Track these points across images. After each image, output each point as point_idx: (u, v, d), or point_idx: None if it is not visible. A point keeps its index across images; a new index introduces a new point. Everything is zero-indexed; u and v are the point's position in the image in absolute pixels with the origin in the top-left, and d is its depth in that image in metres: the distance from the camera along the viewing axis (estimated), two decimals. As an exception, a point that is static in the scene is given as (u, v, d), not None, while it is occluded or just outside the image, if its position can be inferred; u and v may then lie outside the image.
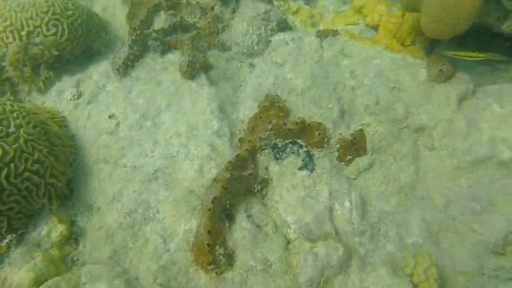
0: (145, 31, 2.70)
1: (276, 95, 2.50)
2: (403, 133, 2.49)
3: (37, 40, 2.57)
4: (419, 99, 2.52)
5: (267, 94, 2.48)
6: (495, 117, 2.46)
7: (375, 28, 2.96)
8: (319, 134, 2.28)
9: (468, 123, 2.45)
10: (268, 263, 2.02)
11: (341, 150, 2.35)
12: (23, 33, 2.56)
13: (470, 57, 2.46)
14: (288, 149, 2.28)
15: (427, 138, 2.49)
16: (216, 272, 1.96)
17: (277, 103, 2.38)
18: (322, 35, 2.78)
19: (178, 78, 2.59)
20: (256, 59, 2.83)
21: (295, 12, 3.18)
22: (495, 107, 2.47)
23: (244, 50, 2.82)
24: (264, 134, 2.27)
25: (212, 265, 1.94)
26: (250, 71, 2.79)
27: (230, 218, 2.11)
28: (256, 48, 2.80)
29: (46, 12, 2.59)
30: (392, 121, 2.47)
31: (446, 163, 2.46)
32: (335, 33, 2.78)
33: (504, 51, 2.76)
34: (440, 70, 2.46)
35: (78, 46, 2.71)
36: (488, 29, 2.63)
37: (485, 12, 2.55)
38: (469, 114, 2.50)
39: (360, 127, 2.43)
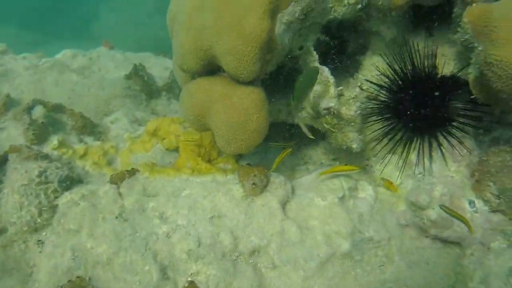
0: None
1: (78, 278, 1.97)
2: (239, 264, 2.17)
3: None
4: (243, 220, 2.26)
5: (61, 286, 1.92)
6: (321, 211, 2.33)
7: (177, 150, 2.70)
8: (141, 316, 1.82)
9: (299, 228, 2.27)
10: None
11: (176, 320, 1.91)
12: None
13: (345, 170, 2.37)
14: None
15: (265, 258, 2.22)
16: None
17: (77, 294, 1.84)
18: (118, 180, 2.37)
19: None
20: (44, 233, 2.25)
21: (83, 156, 2.73)
22: (318, 201, 2.35)
23: (25, 228, 2.23)
24: None
25: None
26: (40, 251, 2.20)
27: None
28: (39, 220, 2.24)
29: None
30: (223, 257, 2.14)
31: (293, 278, 2.21)
32: (131, 172, 2.41)
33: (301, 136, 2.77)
34: (253, 183, 2.26)
35: None
36: (284, 122, 2.59)
37: (277, 111, 2.50)
38: (297, 216, 2.33)
39: (189, 279, 2.04)
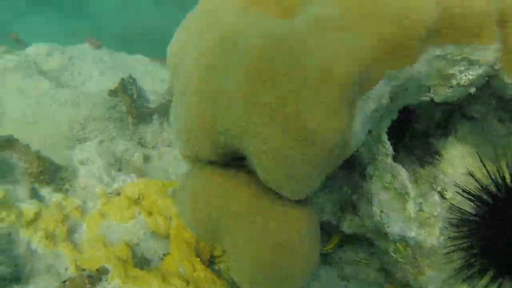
0: None
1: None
2: None
3: None
4: None
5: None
6: None
7: (168, 235, 1.93)
8: None
9: None
10: None
11: None
12: None
13: None
14: None
15: None
16: None
17: None
18: (72, 288, 1.60)
19: None
20: None
21: (32, 222, 1.94)
22: None
23: None
24: None
25: None
26: None
27: None
28: None
29: None
30: None
31: None
32: (95, 278, 1.64)
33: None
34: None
35: None
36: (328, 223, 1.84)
37: (319, 210, 1.75)
38: None
39: None
